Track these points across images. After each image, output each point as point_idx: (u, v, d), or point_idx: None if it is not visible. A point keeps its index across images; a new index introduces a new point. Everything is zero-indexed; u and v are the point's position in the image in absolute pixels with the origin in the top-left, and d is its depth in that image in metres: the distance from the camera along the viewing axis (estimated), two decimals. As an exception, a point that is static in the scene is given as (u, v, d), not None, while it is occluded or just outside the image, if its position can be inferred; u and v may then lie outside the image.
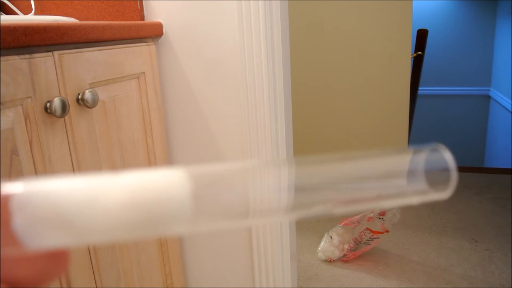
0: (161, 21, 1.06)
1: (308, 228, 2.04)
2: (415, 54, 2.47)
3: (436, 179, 0.18)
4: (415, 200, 0.18)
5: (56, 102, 0.67)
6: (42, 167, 0.68)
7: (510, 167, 3.33)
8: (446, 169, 0.18)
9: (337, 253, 1.74)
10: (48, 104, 0.67)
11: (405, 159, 0.18)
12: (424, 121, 4.25)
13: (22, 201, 0.16)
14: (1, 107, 0.60)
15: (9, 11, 1.10)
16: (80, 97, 0.75)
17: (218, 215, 0.17)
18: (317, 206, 0.18)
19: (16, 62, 0.62)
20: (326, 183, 0.18)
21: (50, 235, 0.16)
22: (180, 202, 0.16)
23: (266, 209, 0.17)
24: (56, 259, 0.18)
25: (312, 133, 2.52)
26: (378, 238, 1.73)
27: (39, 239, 0.16)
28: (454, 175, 0.18)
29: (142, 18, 1.05)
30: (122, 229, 0.16)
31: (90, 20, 1.07)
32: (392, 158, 0.18)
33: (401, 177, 0.18)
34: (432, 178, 0.18)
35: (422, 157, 0.18)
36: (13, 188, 0.17)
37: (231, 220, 0.17)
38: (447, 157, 0.18)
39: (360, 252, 1.74)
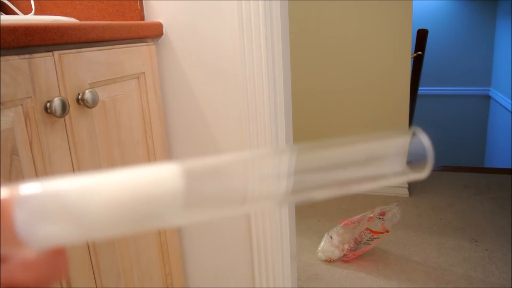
0: (161, 21, 1.06)
1: (308, 228, 2.04)
2: (415, 54, 2.47)
3: (415, 160, 0.19)
4: (396, 180, 0.19)
5: (56, 102, 0.67)
6: (42, 167, 0.68)
7: (510, 167, 3.33)
8: (423, 151, 0.19)
9: (337, 253, 1.74)
10: (48, 104, 0.67)
11: (386, 144, 0.19)
12: (424, 121, 4.25)
13: (23, 200, 0.17)
14: (1, 107, 0.60)
15: (9, 11, 1.10)
16: (80, 97, 0.75)
17: (211, 205, 0.18)
18: (304, 191, 0.18)
19: (16, 62, 0.62)
20: (312, 169, 0.18)
21: (50, 232, 0.17)
22: (173, 195, 0.17)
23: (259, 196, 0.18)
24: (55, 263, 0.18)
25: (312, 133, 2.52)
26: (378, 238, 1.73)
27: (40, 237, 0.17)
28: (431, 156, 0.19)
29: (142, 18, 1.05)
30: (119, 223, 0.17)
31: (90, 20, 1.07)
32: (374, 143, 0.19)
33: (383, 160, 0.19)
34: (412, 160, 0.19)
35: (401, 141, 0.19)
36: (14, 189, 0.17)
37: (225, 209, 0.18)
38: (424, 140, 0.19)
39: (360, 252, 1.74)
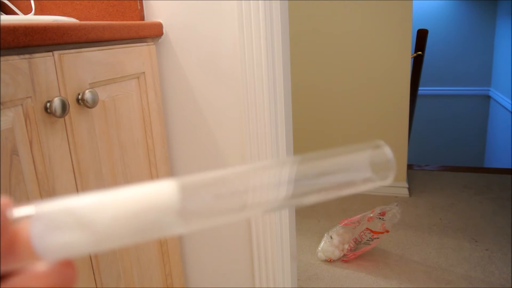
0: (161, 21, 1.06)
1: (308, 228, 2.04)
2: (415, 54, 2.47)
3: (380, 169, 0.22)
4: (365, 187, 0.22)
5: (56, 102, 0.67)
6: (42, 167, 0.68)
7: (510, 167, 3.33)
8: (387, 161, 0.22)
9: (337, 253, 1.74)
10: (48, 104, 0.67)
11: (356, 155, 0.22)
12: (424, 121, 4.25)
13: (38, 216, 0.19)
14: (1, 107, 0.60)
15: (9, 11, 1.10)
16: (80, 97, 0.75)
17: (210, 214, 0.21)
18: (293, 198, 0.21)
19: (16, 62, 0.62)
20: (297, 178, 0.22)
21: (64, 244, 0.19)
22: (170, 208, 0.20)
23: (254, 204, 0.21)
24: (66, 274, 0.20)
25: (312, 133, 2.52)
26: (378, 238, 1.73)
27: (54, 249, 0.19)
28: (393, 165, 0.22)
29: (142, 18, 1.05)
30: (125, 234, 0.20)
31: (90, 20, 1.07)
32: (346, 155, 0.22)
33: (354, 169, 0.22)
34: (376, 168, 0.22)
35: (368, 152, 0.23)
36: (28, 209, 0.20)
37: (222, 217, 0.21)
38: (387, 151, 0.23)
39: (360, 252, 1.74)
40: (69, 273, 0.20)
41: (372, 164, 0.22)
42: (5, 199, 0.19)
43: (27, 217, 0.19)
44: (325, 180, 0.21)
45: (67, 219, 0.19)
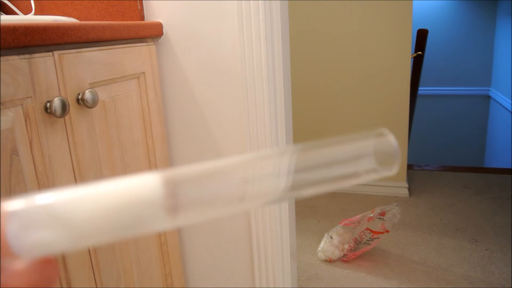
0: (161, 21, 1.06)
1: (308, 228, 2.04)
2: (415, 54, 2.47)
3: (384, 158, 0.21)
4: (368, 178, 0.21)
5: (56, 102, 0.67)
6: (42, 167, 0.68)
7: (510, 167, 3.33)
8: (392, 150, 0.21)
9: (337, 253, 1.74)
10: (48, 104, 0.67)
11: (358, 144, 0.21)
12: (424, 121, 4.25)
13: (14, 214, 0.18)
14: (1, 107, 0.60)
15: (9, 11, 1.10)
16: (80, 97, 0.75)
17: (197, 209, 0.19)
18: (291, 190, 0.20)
19: (16, 62, 0.62)
20: (297, 169, 0.20)
21: (41, 241, 0.18)
22: (154, 201, 0.19)
23: (249, 197, 0.20)
24: (46, 272, 0.20)
25: (312, 133, 2.52)
26: (378, 238, 1.73)
27: (31, 247, 0.18)
28: (398, 154, 0.21)
29: (142, 18, 1.05)
30: (106, 231, 0.19)
31: (90, 20, 1.07)
32: (348, 145, 0.21)
33: (357, 160, 0.21)
34: (380, 158, 0.21)
35: (371, 141, 0.21)
36: (5, 204, 0.19)
37: (211, 212, 0.20)
38: (391, 140, 0.21)
39: (360, 252, 1.74)
40: (50, 271, 0.20)
41: (376, 154, 0.21)
42: None
43: (4, 214, 0.18)
44: (326, 171, 0.20)
45: (43, 216, 0.18)
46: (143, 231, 0.19)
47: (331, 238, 1.76)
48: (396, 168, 0.21)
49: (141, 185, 0.19)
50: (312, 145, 0.21)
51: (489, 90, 4.11)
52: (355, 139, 0.21)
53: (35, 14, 1.09)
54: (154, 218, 0.19)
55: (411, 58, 2.36)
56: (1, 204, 0.18)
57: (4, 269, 0.19)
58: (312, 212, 2.21)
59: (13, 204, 0.19)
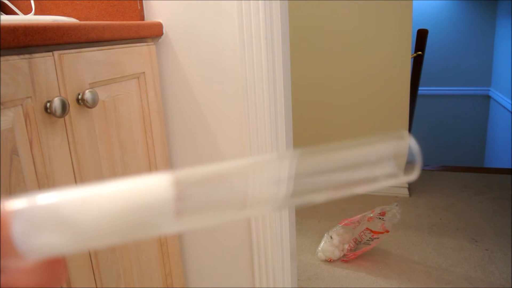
0: (161, 21, 1.06)
1: (308, 228, 2.04)
2: (415, 54, 2.47)
3: (405, 163, 0.20)
4: (387, 183, 0.20)
5: (56, 102, 0.67)
6: (42, 167, 0.68)
7: (510, 167, 3.33)
8: (412, 154, 0.20)
9: (337, 253, 1.74)
10: (48, 104, 0.67)
11: (377, 148, 0.20)
12: (424, 121, 4.25)
13: (19, 214, 0.18)
14: (1, 107, 0.60)
15: (9, 11, 1.10)
16: (80, 97, 0.75)
17: (207, 212, 0.19)
18: (302, 195, 0.19)
19: (16, 62, 0.62)
20: (308, 173, 0.19)
21: (46, 242, 0.18)
22: (163, 204, 0.18)
23: (256, 202, 0.19)
24: (53, 271, 0.20)
25: (312, 133, 2.52)
26: (378, 238, 1.73)
27: (37, 247, 0.18)
28: (419, 159, 0.20)
29: (142, 18, 1.05)
30: (113, 233, 0.18)
31: (90, 20, 1.07)
32: (366, 148, 0.20)
33: (375, 164, 0.20)
34: (401, 163, 0.20)
35: (391, 145, 0.20)
36: (11, 203, 0.18)
37: (220, 215, 0.19)
38: (412, 143, 0.20)
39: (360, 252, 1.74)
40: (58, 271, 0.20)
41: (396, 158, 0.19)
42: None
43: (10, 213, 0.18)
44: (345, 175, 0.19)
45: (49, 218, 0.18)
46: (151, 234, 0.19)
47: (331, 238, 1.76)
48: (417, 173, 0.20)
49: (150, 187, 0.18)
50: (330, 148, 0.20)
51: (489, 90, 4.11)
52: (373, 142, 0.20)
53: (35, 14, 1.09)
54: (163, 220, 0.18)
55: (411, 58, 2.36)
56: (4, 203, 0.18)
57: (10, 269, 0.19)
58: (312, 212, 2.21)
59: (18, 203, 0.18)
